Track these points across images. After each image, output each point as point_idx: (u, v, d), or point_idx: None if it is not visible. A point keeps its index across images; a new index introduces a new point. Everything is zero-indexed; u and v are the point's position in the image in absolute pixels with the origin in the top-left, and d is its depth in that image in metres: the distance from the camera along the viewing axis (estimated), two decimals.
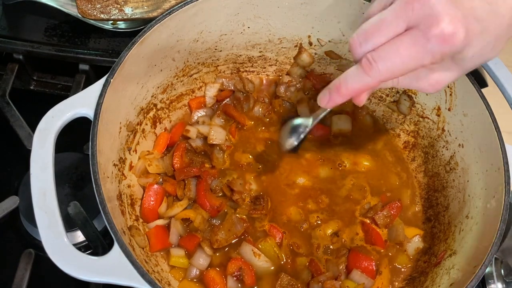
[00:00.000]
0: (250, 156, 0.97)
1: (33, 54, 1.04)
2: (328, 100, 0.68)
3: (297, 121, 0.85)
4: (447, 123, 0.93)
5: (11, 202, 0.88)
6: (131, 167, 0.89)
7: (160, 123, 0.97)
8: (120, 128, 0.85)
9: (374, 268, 0.86)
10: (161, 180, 0.92)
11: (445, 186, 0.93)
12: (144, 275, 0.66)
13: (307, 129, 0.83)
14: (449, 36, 0.59)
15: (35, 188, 0.69)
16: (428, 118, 0.97)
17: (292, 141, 0.85)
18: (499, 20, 0.62)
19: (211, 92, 1.02)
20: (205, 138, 0.96)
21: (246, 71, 1.05)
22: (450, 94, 0.91)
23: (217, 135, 0.95)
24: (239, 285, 0.85)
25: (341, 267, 0.86)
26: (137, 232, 0.82)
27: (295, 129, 0.85)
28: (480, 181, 0.84)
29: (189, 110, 1.01)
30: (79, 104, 0.77)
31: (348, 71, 0.66)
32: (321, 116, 0.81)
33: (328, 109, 0.78)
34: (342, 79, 0.66)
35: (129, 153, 0.89)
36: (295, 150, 0.86)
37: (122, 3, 1.03)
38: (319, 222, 0.91)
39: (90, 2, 1.01)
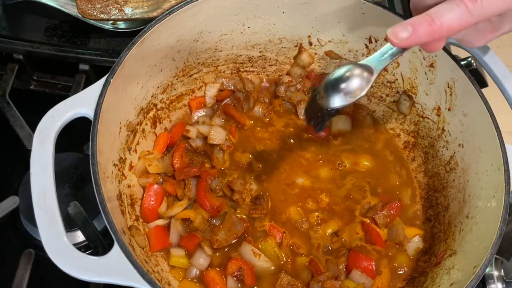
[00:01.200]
0: (250, 156, 0.97)
1: (33, 54, 1.04)
2: (410, 34, 0.59)
3: (342, 71, 0.66)
4: (447, 123, 0.93)
5: (11, 202, 0.88)
6: (131, 167, 0.89)
7: (160, 123, 0.97)
8: (120, 128, 0.85)
9: (374, 268, 0.86)
10: (161, 180, 0.92)
11: (445, 186, 0.93)
12: (144, 275, 0.66)
13: (371, 80, 0.66)
14: None
15: (35, 188, 0.69)
16: (428, 118, 0.97)
17: (339, 101, 0.66)
18: None
19: (211, 92, 1.02)
20: (205, 138, 0.96)
21: (246, 71, 1.05)
22: (450, 94, 0.91)
23: (217, 135, 0.95)
24: (239, 285, 0.85)
25: (341, 267, 0.86)
26: (137, 232, 0.82)
27: (342, 82, 0.66)
28: (480, 181, 0.84)
29: (189, 110, 1.01)
30: (79, 104, 0.77)
31: (440, 6, 0.58)
32: (390, 60, 0.66)
33: (397, 52, 0.65)
34: (434, 13, 0.58)
35: (129, 153, 0.89)
36: (320, 126, 0.71)
37: (122, 3, 1.03)
38: (319, 221, 0.91)
39: (90, 2, 1.01)
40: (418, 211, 0.96)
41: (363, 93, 0.68)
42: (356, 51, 1.00)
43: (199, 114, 1.01)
